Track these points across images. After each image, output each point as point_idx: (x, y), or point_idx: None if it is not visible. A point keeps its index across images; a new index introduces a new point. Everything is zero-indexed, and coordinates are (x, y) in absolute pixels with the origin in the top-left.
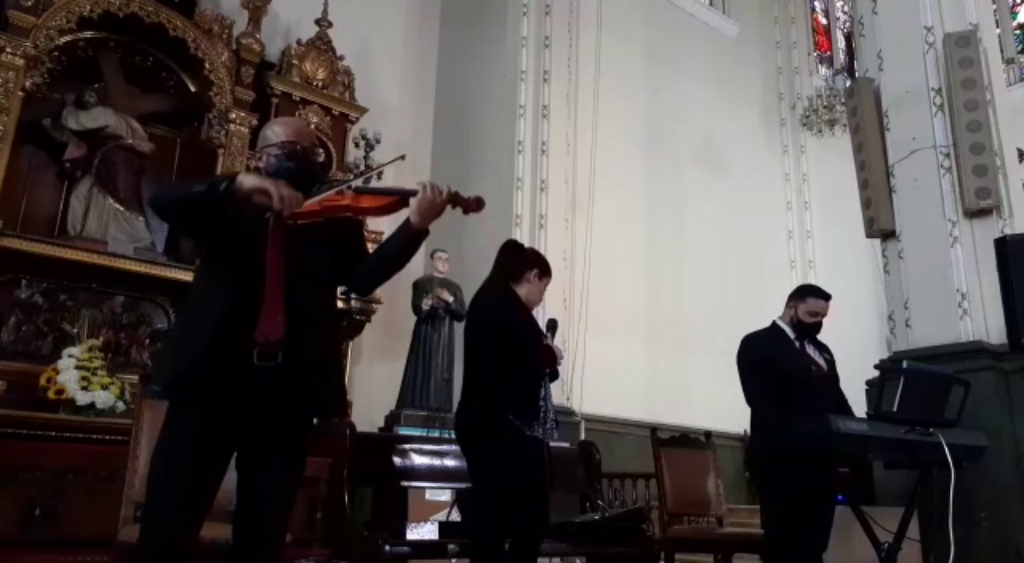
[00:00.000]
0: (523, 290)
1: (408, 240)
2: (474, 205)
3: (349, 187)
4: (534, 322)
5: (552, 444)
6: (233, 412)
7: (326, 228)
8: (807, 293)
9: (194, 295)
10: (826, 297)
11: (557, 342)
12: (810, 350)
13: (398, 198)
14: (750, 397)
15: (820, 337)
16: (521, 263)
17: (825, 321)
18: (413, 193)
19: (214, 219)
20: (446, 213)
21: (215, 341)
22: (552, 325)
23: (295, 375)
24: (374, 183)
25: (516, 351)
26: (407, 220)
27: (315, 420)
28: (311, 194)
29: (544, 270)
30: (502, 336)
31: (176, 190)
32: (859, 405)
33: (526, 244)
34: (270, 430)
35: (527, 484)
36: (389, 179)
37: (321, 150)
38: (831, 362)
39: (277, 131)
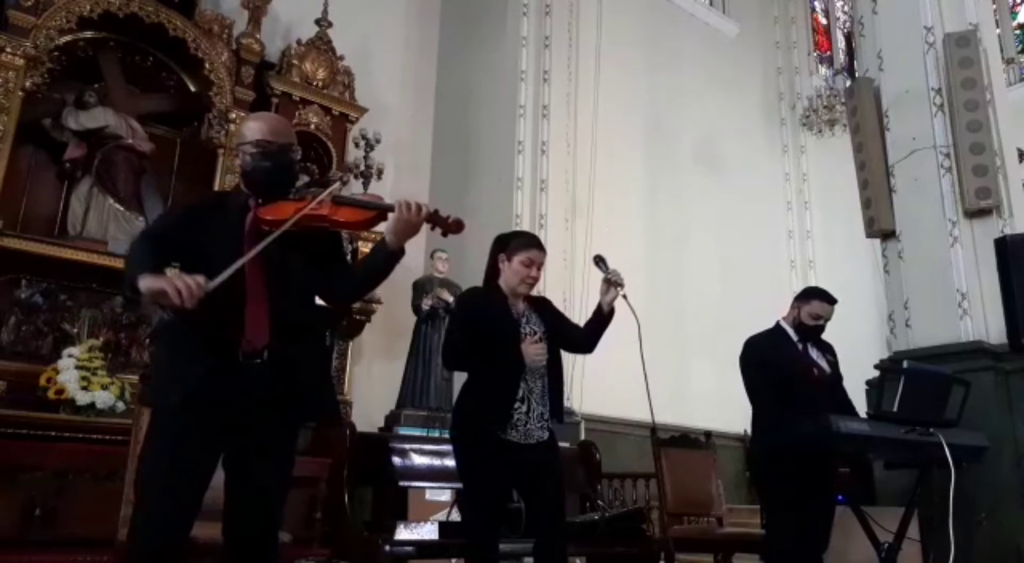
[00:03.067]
0: (503, 281)
1: (385, 260)
2: (453, 227)
3: (329, 195)
4: (507, 318)
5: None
6: (222, 414)
7: (304, 236)
8: (812, 296)
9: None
10: (831, 301)
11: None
12: (813, 352)
13: (376, 213)
14: (752, 398)
15: (824, 338)
16: (492, 253)
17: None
18: (392, 208)
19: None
20: (445, 214)
21: (212, 357)
22: (598, 261)
23: (284, 382)
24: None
25: (481, 351)
26: (383, 239)
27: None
28: (289, 197)
29: (512, 248)
30: (465, 335)
31: (130, 263)
32: (859, 405)
33: None
34: (261, 432)
35: (504, 491)
36: (389, 177)
37: (299, 147)
38: (834, 364)
39: (253, 128)
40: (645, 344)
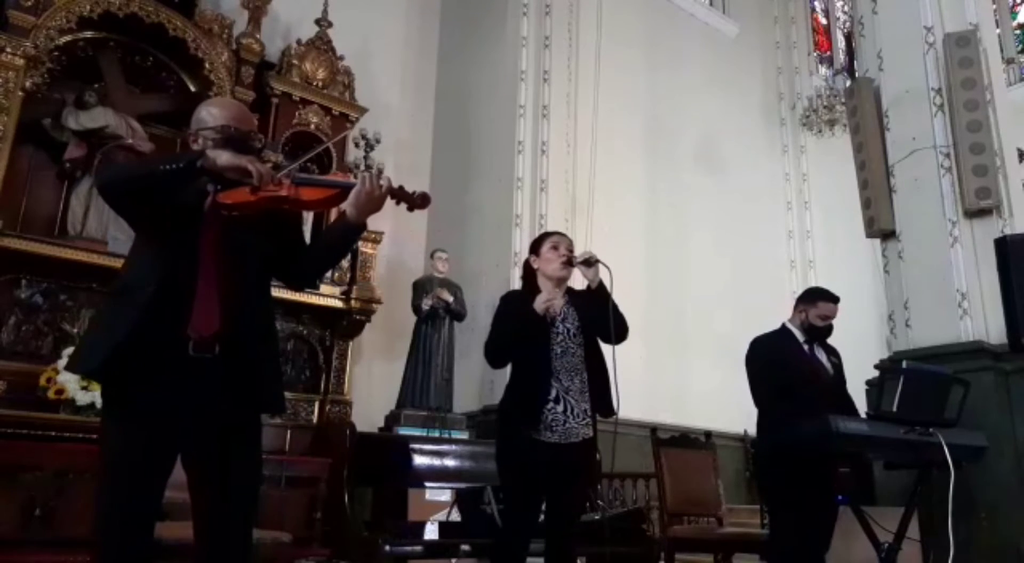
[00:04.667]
0: (542, 277)
1: (345, 234)
2: (419, 201)
3: (288, 176)
4: (539, 319)
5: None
6: (176, 410)
7: (264, 219)
8: (817, 297)
9: (121, 284)
10: (835, 300)
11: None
12: (818, 353)
13: (339, 191)
14: (757, 399)
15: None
16: (524, 263)
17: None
18: (354, 185)
19: (164, 203)
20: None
21: (141, 331)
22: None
23: (237, 370)
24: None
25: (513, 349)
26: (343, 213)
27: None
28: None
29: (537, 246)
30: (503, 333)
31: (138, 167)
32: (860, 405)
33: (527, 244)
34: (222, 429)
35: (537, 495)
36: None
37: (261, 136)
38: (838, 366)
39: (214, 113)
40: (644, 343)
